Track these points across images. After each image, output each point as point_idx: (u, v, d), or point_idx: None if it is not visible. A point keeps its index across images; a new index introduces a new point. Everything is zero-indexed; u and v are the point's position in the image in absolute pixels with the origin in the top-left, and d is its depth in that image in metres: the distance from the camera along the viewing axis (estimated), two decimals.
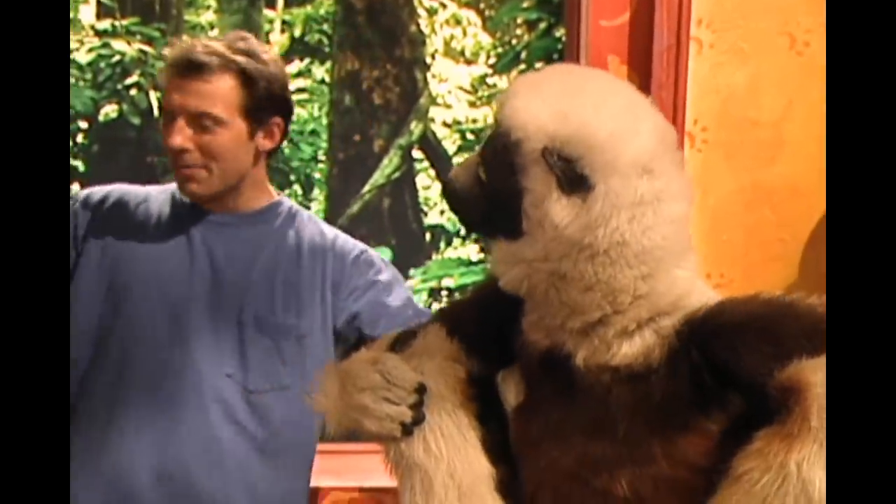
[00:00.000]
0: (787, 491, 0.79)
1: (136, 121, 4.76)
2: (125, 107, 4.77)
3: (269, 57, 1.58)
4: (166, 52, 1.52)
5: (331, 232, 1.63)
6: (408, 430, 0.91)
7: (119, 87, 4.81)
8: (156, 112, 4.99)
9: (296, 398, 1.54)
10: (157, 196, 1.61)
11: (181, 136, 1.47)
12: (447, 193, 0.98)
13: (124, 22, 4.96)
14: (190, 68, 1.47)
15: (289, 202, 1.64)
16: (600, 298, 0.93)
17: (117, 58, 4.77)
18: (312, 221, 1.64)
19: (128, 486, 1.49)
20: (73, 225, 1.63)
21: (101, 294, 1.57)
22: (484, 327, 1.04)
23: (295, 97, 5.52)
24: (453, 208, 0.97)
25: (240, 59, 1.53)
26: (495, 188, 0.91)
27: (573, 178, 0.88)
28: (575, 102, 0.92)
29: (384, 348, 1.00)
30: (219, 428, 1.50)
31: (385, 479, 2.23)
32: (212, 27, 5.71)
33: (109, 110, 4.76)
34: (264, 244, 1.59)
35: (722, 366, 0.91)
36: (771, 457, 0.85)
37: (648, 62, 1.77)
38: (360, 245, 1.62)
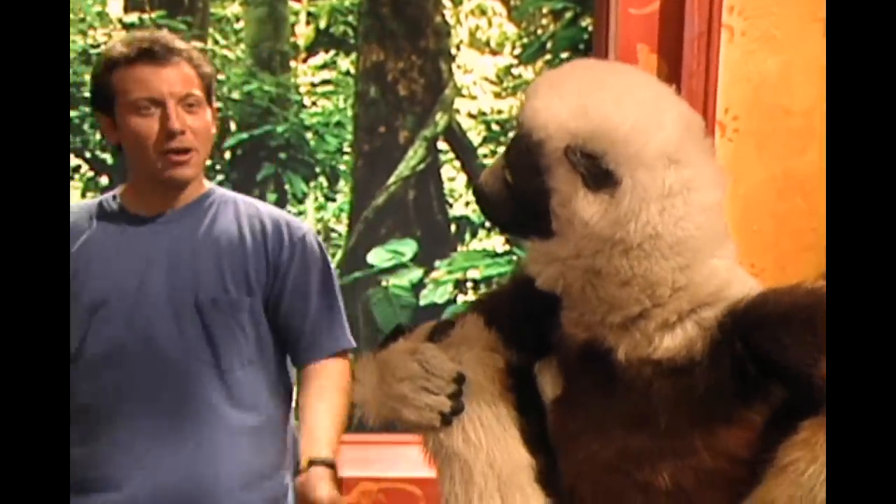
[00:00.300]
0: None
1: None
2: None
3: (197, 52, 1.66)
4: (117, 47, 1.51)
5: (271, 213, 1.64)
6: (447, 419, 0.91)
7: None
8: None
9: (260, 372, 1.56)
10: (81, 212, 1.59)
11: (180, 120, 1.49)
12: (477, 198, 0.97)
13: (152, 15, 5.00)
14: (167, 53, 1.49)
15: (221, 190, 1.64)
16: (638, 292, 0.91)
17: None
18: (248, 204, 1.65)
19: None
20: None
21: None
22: (521, 318, 1.02)
23: (320, 89, 5.55)
24: (484, 212, 0.96)
25: (188, 48, 1.58)
26: (522, 190, 0.90)
27: (598, 174, 0.88)
28: (595, 97, 0.91)
29: (422, 338, 0.99)
30: (203, 413, 1.51)
31: (413, 470, 2.23)
32: (237, 19, 5.72)
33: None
34: (207, 231, 1.59)
35: (765, 357, 0.89)
36: (817, 447, 0.83)
37: (679, 50, 1.74)
38: (303, 227, 1.62)
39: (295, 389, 1.71)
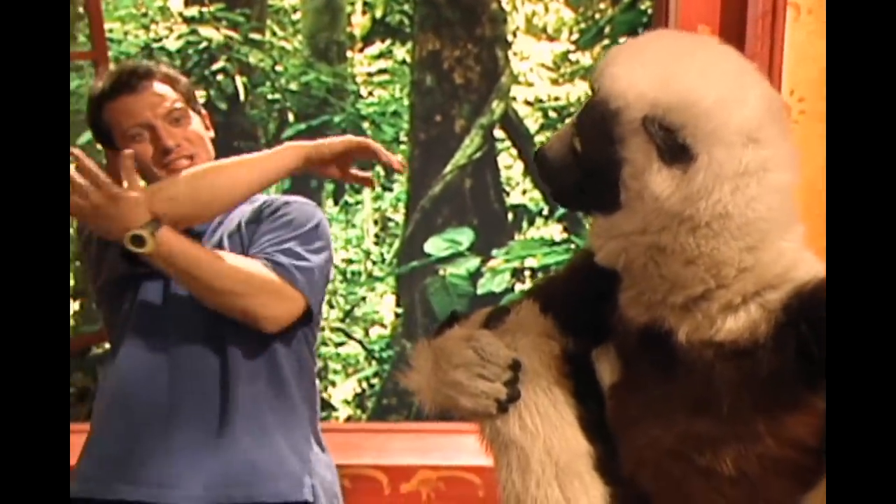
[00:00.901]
0: None
1: (223, 106, 4.87)
2: (212, 92, 4.89)
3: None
4: (97, 85, 1.63)
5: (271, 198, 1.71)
6: (503, 407, 0.90)
7: (206, 72, 4.93)
8: (241, 96, 5.10)
9: (255, 347, 1.60)
10: None
11: (171, 136, 1.58)
12: (539, 165, 0.94)
13: (211, 8, 5.07)
14: (139, 80, 1.59)
15: None
16: (703, 272, 0.88)
17: (204, 44, 4.88)
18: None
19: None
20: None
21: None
22: (578, 303, 1.00)
23: (376, 79, 5.58)
24: (546, 181, 0.93)
25: (158, 67, 1.69)
26: (592, 159, 0.87)
27: (675, 147, 0.85)
28: (678, 68, 0.87)
29: (478, 325, 0.98)
30: (230, 412, 1.55)
31: (472, 458, 2.23)
32: (294, 10, 5.77)
33: (198, 96, 4.84)
34: (220, 232, 1.68)
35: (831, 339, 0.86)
36: None
37: (742, 31, 1.69)
38: (284, 198, 1.68)
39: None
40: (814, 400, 0.86)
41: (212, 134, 1.69)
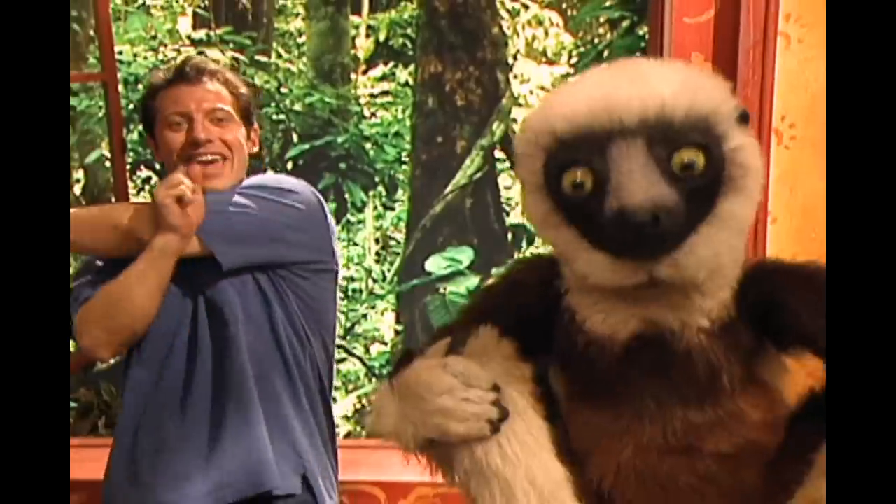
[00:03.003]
0: None
1: None
2: None
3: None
4: (159, 74, 1.64)
5: None
6: (496, 427, 0.87)
7: None
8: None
9: (315, 370, 1.63)
10: None
11: (205, 130, 1.57)
12: (660, 228, 0.84)
13: (218, 31, 5.15)
14: (197, 74, 1.59)
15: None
16: (742, 241, 0.95)
17: None
18: None
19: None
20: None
21: None
22: (532, 324, 1.00)
23: (379, 100, 5.63)
24: (663, 235, 0.84)
25: (223, 71, 1.67)
26: (713, 169, 0.86)
27: (744, 117, 0.89)
28: (675, 75, 0.91)
29: (441, 355, 0.95)
30: (268, 401, 1.57)
31: None
32: (300, 34, 5.85)
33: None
34: None
35: (772, 298, 0.91)
36: None
37: (734, 59, 1.75)
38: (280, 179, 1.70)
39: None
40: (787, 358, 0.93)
41: (255, 149, 1.69)
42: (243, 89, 1.67)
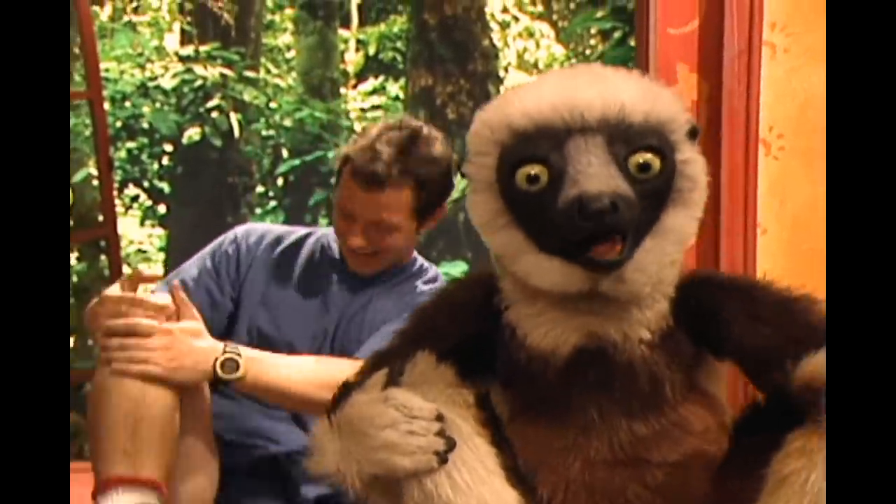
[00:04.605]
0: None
1: (217, 142, 4.90)
2: (207, 129, 4.93)
3: (440, 152, 1.55)
4: (350, 150, 1.53)
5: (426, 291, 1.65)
6: (443, 458, 0.86)
7: (201, 110, 4.97)
8: (236, 133, 5.13)
9: None
10: (308, 242, 1.65)
11: (359, 240, 1.49)
12: (614, 216, 0.92)
13: (205, 47, 5.13)
14: (373, 182, 1.48)
15: (420, 260, 1.68)
16: (681, 255, 0.96)
17: (199, 82, 4.93)
18: (431, 279, 1.66)
19: None
20: (233, 265, 1.69)
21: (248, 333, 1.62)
22: (471, 346, 0.98)
23: (370, 114, 5.63)
24: (620, 223, 0.89)
25: (417, 169, 1.52)
26: (664, 175, 0.88)
27: (694, 132, 0.89)
28: (636, 85, 0.92)
29: (378, 388, 0.94)
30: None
31: None
32: (288, 49, 5.84)
33: (193, 133, 4.91)
34: (383, 300, 1.65)
35: (708, 310, 0.92)
36: (814, 455, 0.83)
37: (719, 69, 1.71)
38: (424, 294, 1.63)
39: None
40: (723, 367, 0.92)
41: (433, 225, 1.60)
42: (436, 183, 1.52)
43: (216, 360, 1.24)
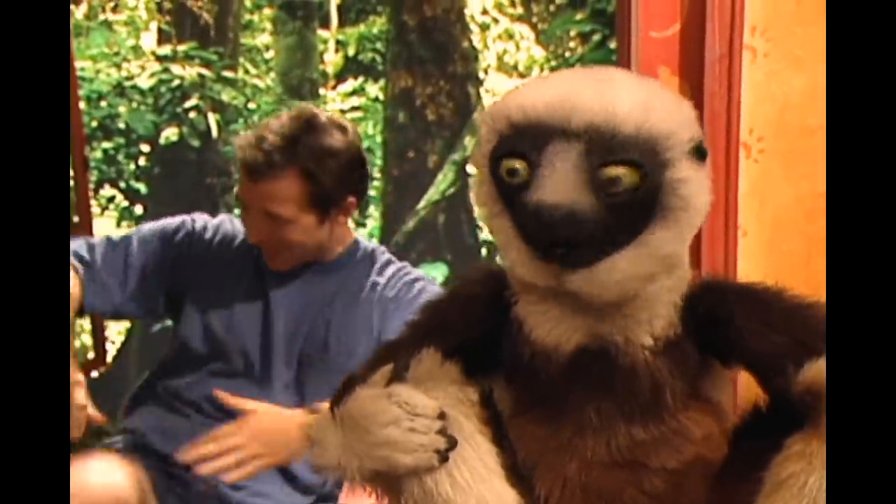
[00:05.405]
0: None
1: (195, 143, 4.87)
2: (185, 129, 4.89)
3: (338, 141, 1.49)
4: (238, 141, 1.51)
5: (398, 275, 1.59)
6: (444, 457, 0.86)
7: (179, 110, 4.93)
8: (214, 134, 5.10)
9: None
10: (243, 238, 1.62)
11: (255, 231, 1.47)
12: (564, 221, 0.91)
13: (183, 47, 5.10)
14: (253, 172, 1.45)
15: (364, 243, 1.62)
16: (664, 271, 0.93)
17: (177, 82, 4.89)
18: (384, 263, 1.61)
19: None
20: (175, 252, 1.64)
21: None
22: (478, 343, 1.00)
23: (349, 115, 5.62)
24: (570, 234, 0.91)
25: (305, 156, 1.48)
26: (647, 189, 0.86)
27: (701, 151, 0.88)
28: (653, 97, 0.90)
29: (382, 384, 0.96)
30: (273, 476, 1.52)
31: None
32: (267, 49, 5.81)
33: (170, 133, 4.86)
34: (333, 289, 1.59)
35: (718, 317, 0.92)
36: (813, 458, 0.83)
37: (700, 73, 1.73)
38: (420, 284, 1.57)
39: None
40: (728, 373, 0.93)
41: (346, 219, 1.55)
42: (330, 172, 1.46)
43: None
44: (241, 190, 1.49)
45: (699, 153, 0.88)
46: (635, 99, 0.85)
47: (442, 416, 0.87)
